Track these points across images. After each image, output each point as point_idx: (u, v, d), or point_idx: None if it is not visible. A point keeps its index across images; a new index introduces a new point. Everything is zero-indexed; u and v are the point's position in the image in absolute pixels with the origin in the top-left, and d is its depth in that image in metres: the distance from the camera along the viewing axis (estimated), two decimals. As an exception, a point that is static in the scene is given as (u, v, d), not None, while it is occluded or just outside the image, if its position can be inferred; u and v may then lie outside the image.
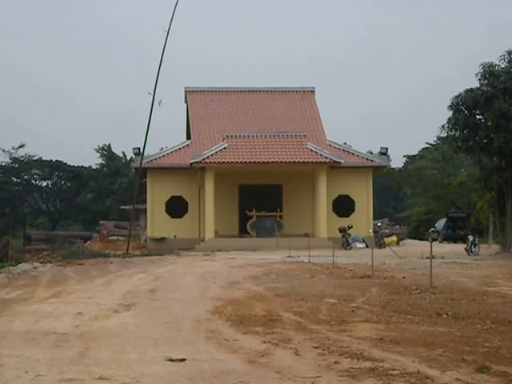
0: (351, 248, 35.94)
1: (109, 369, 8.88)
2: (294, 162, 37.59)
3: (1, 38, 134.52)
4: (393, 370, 8.62)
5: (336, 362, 9.08)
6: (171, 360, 9.33)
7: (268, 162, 37.60)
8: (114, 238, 46.43)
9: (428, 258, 20.64)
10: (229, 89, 46.18)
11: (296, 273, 21.19)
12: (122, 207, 56.99)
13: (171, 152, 40.76)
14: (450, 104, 31.40)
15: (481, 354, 9.56)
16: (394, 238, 40.92)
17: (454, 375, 8.39)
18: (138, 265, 25.81)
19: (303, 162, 37.61)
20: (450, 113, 31.49)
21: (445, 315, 12.86)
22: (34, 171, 78.32)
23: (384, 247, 35.29)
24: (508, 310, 13.56)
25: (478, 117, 31.82)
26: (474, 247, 31.28)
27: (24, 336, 11.27)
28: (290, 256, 28.62)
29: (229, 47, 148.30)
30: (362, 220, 39.63)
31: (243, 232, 39.14)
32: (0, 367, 9.01)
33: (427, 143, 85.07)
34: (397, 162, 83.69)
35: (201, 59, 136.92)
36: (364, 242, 37.63)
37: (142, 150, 37.02)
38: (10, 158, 75.90)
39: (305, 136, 38.98)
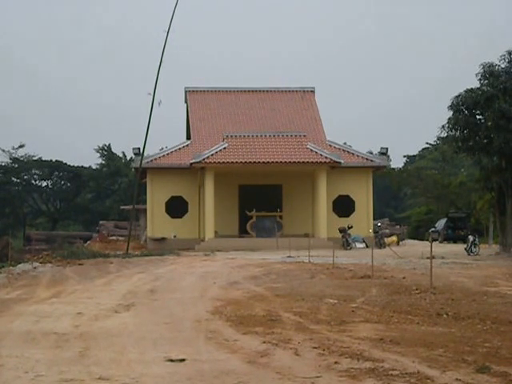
0: (351, 248, 35.95)
1: (109, 369, 8.87)
2: (294, 162, 37.59)
3: (1, 38, 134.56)
4: (393, 370, 8.61)
5: (336, 363, 9.07)
6: (171, 360, 9.32)
7: (268, 162, 37.59)
8: (114, 238, 46.46)
9: (428, 258, 20.63)
10: (229, 89, 46.16)
11: (296, 273, 21.18)
12: (122, 207, 56.97)
13: (171, 152, 40.75)
14: (450, 104, 31.42)
15: (481, 355, 9.55)
16: (394, 238, 40.92)
17: (454, 375, 8.39)
18: (138, 265, 25.79)
19: (303, 162, 37.61)
20: (450, 113, 31.51)
21: (445, 315, 12.85)
22: (33, 171, 78.24)
23: (384, 247, 35.27)
24: (508, 310, 13.55)
25: (478, 117, 31.82)
26: (474, 247, 31.27)
27: (24, 336, 11.25)
28: (289, 256, 28.62)
29: (229, 47, 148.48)
30: (362, 220, 39.63)
31: (243, 232, 39.13)
32: (0, 367, 9.00)
33: (427, 143, 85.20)
34: (397, 162, 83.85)
35: (201, 59, 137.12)
36: (364, 242, 37.63)
37: (141, 150, 36.99)
38: (10, 158, 75.83)
39: (305, 136, 38.98)
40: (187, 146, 41.37)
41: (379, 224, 41.50)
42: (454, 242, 45.99)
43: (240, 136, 38.75)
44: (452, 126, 31.46)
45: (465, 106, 31.24)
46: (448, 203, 59.54)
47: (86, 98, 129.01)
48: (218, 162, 37.48)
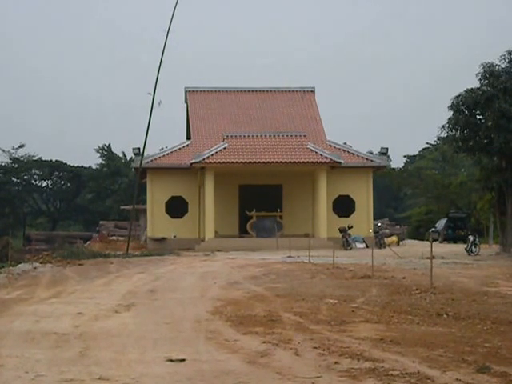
0: (351, 248, 35.93)
1: (109, 369, 8.87)
2: (294, 162, 37.58)
3: (0, 38, 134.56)
4: (393, 370, 8.61)
5: (336, 363, 9.07)
6: (171, 360, 9.32)
7: (268, 162, 37.58)
8: (114, 238, 46.44)
9: (428, 258, 20.63)
10: (229, 89, 46.16)
11: (296, 273, 21.17)
12: (122, 207, 56.98)
13: (171, 152, 40.75)
14: (450, 104, 31.42)
15: (481, 355, 9.54)
16: (395, 239, 40.90)
17: (455, 375, 8.38)
18: (138, 265, 25.78)
19: (303, 162, 37.60)
20: (451, 113, 31.51)
21: (445, 315, 12.85)
22: (33, 171, 78.30)
23: (384, 247, 35.27)
24: (508, 310, 13.55)
25: (478, 117, 31.82)
26: (475, 247, 31.27)
27: (24, 336, 11.25)
28: (290, 256, 28.61)
29: (229, 47, 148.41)
30: (363, 220, 39.61)
31: (243, 232, 39.12)
32: (0, 367, 8.99)
33: (427, 143, 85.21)
34: (397, 162, 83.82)
35: (201, 59, 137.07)
36: (364, 242, 37.62)
37: (142, 150, 37.00)
38: (10, 158, 75.87)
39: (305, 136, 38.97)
40: (187, 145, 41.36)
41: (379, 224, 41.48)
42: (454, 242, 45.96)
43: (240, 136, 38.74)
44: (452, 125, 31.46)
45: (465, 106, 31.24)
46: (448, 203, 59.53)
47: (86, 97, 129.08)
48: (218, 162, 37.47)
